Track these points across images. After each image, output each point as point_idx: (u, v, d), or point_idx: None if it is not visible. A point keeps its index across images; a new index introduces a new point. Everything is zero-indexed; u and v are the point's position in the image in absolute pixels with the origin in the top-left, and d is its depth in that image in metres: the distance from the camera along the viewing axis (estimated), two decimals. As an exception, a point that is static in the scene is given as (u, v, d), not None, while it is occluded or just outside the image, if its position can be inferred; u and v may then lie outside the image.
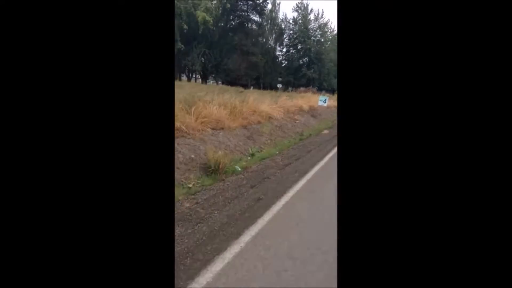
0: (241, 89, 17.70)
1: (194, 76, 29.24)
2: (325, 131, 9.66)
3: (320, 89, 31.79)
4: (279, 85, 28.29)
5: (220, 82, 33.13)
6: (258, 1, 29.37)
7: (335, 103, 18.81)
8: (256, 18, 30.59)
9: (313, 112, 13.27)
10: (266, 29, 33.71)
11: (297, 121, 10.30)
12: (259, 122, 8.05)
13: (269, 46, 34.19)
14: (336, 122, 13.76)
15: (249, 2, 29.10)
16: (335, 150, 7.08)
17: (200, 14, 24.85)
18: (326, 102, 14.12)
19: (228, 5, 28.85)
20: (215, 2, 27.77)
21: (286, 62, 35.60)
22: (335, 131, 10.08)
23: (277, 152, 6.34)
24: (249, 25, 30.00)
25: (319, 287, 2.11)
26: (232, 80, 29.11)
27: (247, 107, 8.41)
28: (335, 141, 8.11)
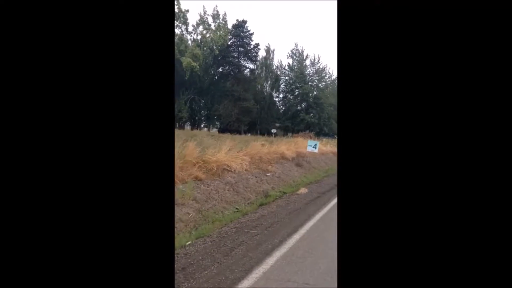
0: (217, 134, 15.17)
1: (180, 123, 27.35)
2: (302, 190, 6.57)
3: (321, 134, 29.51)
4: (274, 130, 26.30)
5: (214, 129, 31.65)
6: (249, 48, 28.59)
7: (334, 149, 15.97)
8: (248, 64, 29.73)
9: (299, 160, 10.35)
10: (262, 75, 32.74)
11: (268, 174, 7.32)
12: (196, 178, 5.14)
13: (265, 92, 32.82)
14: (329, 173, 10.74)
15: (240, 49, 28.33)
16: (312, 226, 3.95)
17: (185, 60, 23.68)
18: (317, 147, 11.25)
19: (217, 52, 27.98)
20: (203, 48, 26.91)
21: (283, 108, 34.03)
22: (321, 188, 7.00)
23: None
24: (241, 71, 28.89)
25: (319, 287, 2.16)
26: (225, 127, 27.38)
27: (193, 156, 5.62)
28: (313, 208, 5.05)
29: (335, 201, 5.43)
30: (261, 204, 5.15)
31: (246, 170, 6.76)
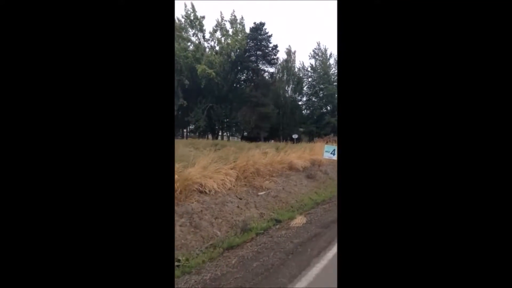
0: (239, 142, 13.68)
1: (198, 133, 26.39)
2: (298, 219, 4.55)
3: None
4: (295, 136, 24.35)
5: (235, 137, 30.46)
6: (267, 50, 27.03)
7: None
8: (267, 68, 28.15)
9: (312, 170, 8.43)
10: (283, 79, 30.99)
11: (261, 193, 5.55)
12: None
13: (287, 96, 30.95)
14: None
15: (258, 52, 26.87)
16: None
17: (200, 67, 22.65)
18: (335, 153, 9.24)
19: (234, 57, 26.72)
20: (221, 55, 25.79)
21: (308, 112, 31.93)
22: (329, 213, 5.08)
23: None
24: (260, 76, 27.38)
25: (319, 287, 2.12)
26: (247, 135, 26.03)
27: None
28: (302, 263, 3.13)
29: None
30: (228, 248, 3.39)
31: (228, 189, 5.07)
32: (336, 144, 15.28)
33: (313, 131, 28.92)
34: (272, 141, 24.68)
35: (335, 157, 9.45)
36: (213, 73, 23.19)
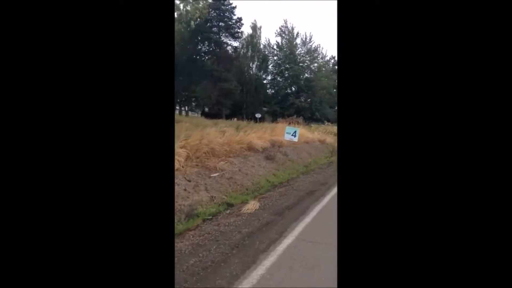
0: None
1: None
2: (251, 204, 4.07)
3: (311, 119, 27.22)
4: (258, 115, 23.89)
5: (196, 113, 29.21)
6: (230, 23, 25.66)
7: (322, 136, 13.71)
8: (230, 41, 26.82)
9: (272, 151, 8.06)
10: (248, 55, 29.93)
11: (214, 174, 5.03)
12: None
13: (251, 73, 30.09)
14: (310, 168, 8.51)
15: (220, 24, 25.40)
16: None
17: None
18: (297, 135, 9.00)
19: (194, 26, 24.97)
20: (176, 23, 23.84)
21: (272, 91, 31.47)
22: (285, 197, 4.70)
23: None
24: (222, 49, 26.06)
25: (319, 287, 2.02)
26: (207, 111, 25.02)
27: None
28: (245, 260, 2.64)
29: (297, 231, 3.19)
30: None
31: (176, 170, 4.47)
32: (299, 126, 15.24)
33: (277, 111, 28.63)
34: (235, 119, 24.00)
35: (296, 139, 9.19)
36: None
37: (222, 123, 10.98)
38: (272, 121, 22.62)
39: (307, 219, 3.53)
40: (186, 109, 29.34)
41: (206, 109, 27.57)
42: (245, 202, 4.28)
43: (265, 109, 29.28)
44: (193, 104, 28.89)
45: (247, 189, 5.03)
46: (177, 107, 27.91)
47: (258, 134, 9.12)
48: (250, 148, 7.76)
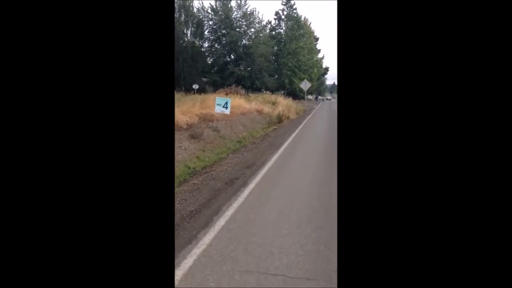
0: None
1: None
2: None
3: (252, 88, 26.56)
4: (195, 86, 22.47)
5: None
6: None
7: (260, 106, 13.21)
8: (160, 4, 23.95)
9: (199, 128, 7.29)
10: (181, 20, 27.35)
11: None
12: None
13: (186, 40, 27.79)
14: (243, 143, 7.98)
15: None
16: None
17: None
18: (228, 106, 8.30)
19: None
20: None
21: (211, 60, 29.69)
22: (195, 193, 4.05)
23: None
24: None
25: (319, 287, 1.92)
26: None
27: None
28: None
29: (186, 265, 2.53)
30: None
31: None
32: (239, 96, 14.48)
33: (217, 81, 27.29)
34: (176, 92, 22.18)
35: (227, 111, 8.50)
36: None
37: None
38: (214, 92, 21.44)
39: (206, 238, 2.56)
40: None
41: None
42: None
43: (204, 79, 27.69)
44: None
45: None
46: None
47: (184, 108, 8.20)
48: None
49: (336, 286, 1.06)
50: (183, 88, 24.44)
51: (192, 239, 2.54)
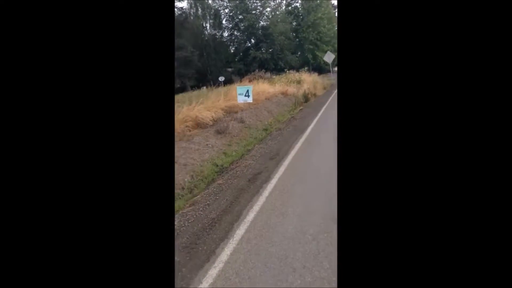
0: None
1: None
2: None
3: (275, 70, 25.71)
4: (221, 78, 22.26)
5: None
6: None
7: (285, 88, 12.63)
8: (175, 3, 24.05)
9: (225, 121, 7.10)
10: (199, 14, 27.24)
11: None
12: None
13: (207, 34, 27.69)
14: (269, 131, 7.64)
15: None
16: None
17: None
18: (250, 94, 7.95)
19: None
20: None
21: (233, 48, 29.36)
22: (221, 194, 3.83)
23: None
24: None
25: (319, 287, 1.84)
26: (176, 86, 23.08)
27: None
28: None
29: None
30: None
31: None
32: (263, 80, 14.02)
33: (242, 69, 26.95)
34: (204, 88, 22.36)
35: (250, 99, 8.18)
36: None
37: (179, 98, 9.81)
38: (240, 81, 21.21)
39: (224, 254, 2.33)
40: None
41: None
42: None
43: (229, 69, 27.49)
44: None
45: (183, 188, 4.16)
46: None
47: (208, 103, 8.04)
48: (198, 124, 6.79)
49: (336, 286, 0.94)
50: (211, 83, 24.58)
51: (210, 256, 2.35)
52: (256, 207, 3.09)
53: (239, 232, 2.65)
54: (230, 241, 2.52)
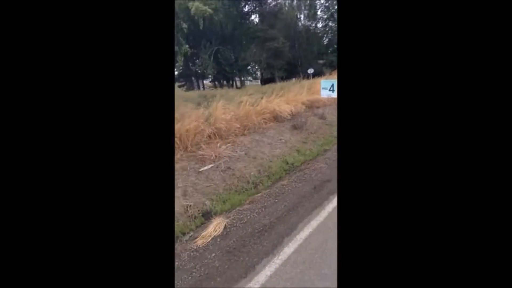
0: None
1: (211, 81, 24.48)
2: (210, 228, 2.78)
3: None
4: (310, 70, 21.51)
5: (253, 81, 28.22)
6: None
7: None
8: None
9: (303, 116, 6.69)
10: (294, 5, 26.87)
11: (206, 167, 4.13)
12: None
13: (300, 25, 27.12)
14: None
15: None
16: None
17: (194, 5, 19.77)
18: (335, 89, 7.30)
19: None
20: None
21: (327, 40, 28.08)
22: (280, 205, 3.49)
23: None
24: (264, 4, 23.75)
25: (319, 287, 1.83)
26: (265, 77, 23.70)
27: None
28: None
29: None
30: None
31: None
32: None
33: (334, 62, 25.52)
34: (294, 79, 22.22)
35: (334, 94, 7.50)
36: (208, 10, 20.12)
37: (251, 90, 9.83)
38: (331, 74, 20.14)
39: (263, 274, 2.04)
40: (243, 79, 28.37)
41: (259, 75, 26.34)
42: (227, 210, 3.27)
43: (320, 61, 26.39)
44: (245, 73, 27.57)
45: (248, 182, 3.98)
46: (239, 79, 27.16)
47: (289, 96, 7.72)
48: (275, 117, 6.56)
49: (336, 286, 0.88)
50: (301, 75, 24.08)
51: (249, 271, 2.07)
52: (314, 223, 2.67)
53: (287, 250, 2.30)
54: (275, 259, 2.21)
